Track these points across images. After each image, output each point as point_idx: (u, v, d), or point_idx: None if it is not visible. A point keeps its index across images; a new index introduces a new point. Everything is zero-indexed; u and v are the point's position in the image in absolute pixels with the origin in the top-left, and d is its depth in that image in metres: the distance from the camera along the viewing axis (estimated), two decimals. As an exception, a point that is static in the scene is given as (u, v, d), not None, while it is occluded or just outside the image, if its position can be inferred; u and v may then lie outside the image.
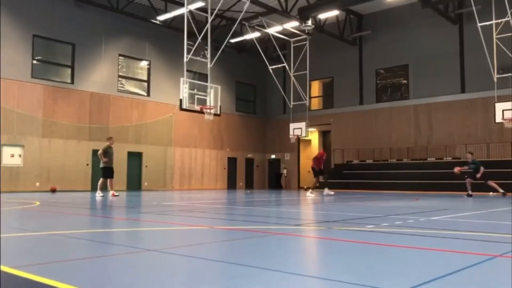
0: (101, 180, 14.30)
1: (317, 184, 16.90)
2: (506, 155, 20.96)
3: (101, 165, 14.39)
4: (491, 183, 15.75)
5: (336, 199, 13.78)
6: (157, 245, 4.35)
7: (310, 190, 16.68)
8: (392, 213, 8.33)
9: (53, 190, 18.96)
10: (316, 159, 16.71)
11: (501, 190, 15.59)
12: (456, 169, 15.95)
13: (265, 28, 22.80)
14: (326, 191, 16.48)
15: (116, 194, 14.32)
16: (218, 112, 17.36)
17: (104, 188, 14.34)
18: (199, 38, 16.68)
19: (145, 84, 24.12)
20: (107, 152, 14.31)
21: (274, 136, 30.09)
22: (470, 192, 15.88)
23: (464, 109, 22.51)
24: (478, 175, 15.62)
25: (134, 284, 2.79)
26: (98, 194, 13.86)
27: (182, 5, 20.32)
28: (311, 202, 12.38)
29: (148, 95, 23.96)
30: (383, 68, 25.65)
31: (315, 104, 28.98)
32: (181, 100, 15.80)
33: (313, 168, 16.82)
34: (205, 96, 16.71)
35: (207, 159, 26.66)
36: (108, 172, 14.30)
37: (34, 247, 4.30)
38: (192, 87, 16.46)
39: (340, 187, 24.46)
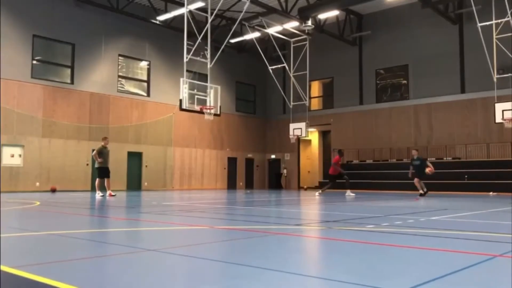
0: (97, 180, 14.35)
1: (321, 191, 17.09)
2: (506, 155, 20.96)
3: (96, 165, 14.46)
4: (417, 182, 15.49)
5: (336, 199, 13.78)
6: (157, 245, 4.35)
7: (320, 191, 17.03)
8: (392, 213, 8.33)
9: (53, 190, 18.96)
10: (332, 165, 17.09)
11: (423, 191, 15.42)
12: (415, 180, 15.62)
13: (265, 28, 22.80)
14: (348, 192, 16.37)
15: (113, 194, 14.32)
16: (218, 112, 17.35)
17: (102, 188, 14.36)
18: (199, 38, 16.68)
19: (145, 84, 24.11)
20: (102, 152, 14.34)
21: (274, 136, 30.08)
22: (422, 191, 15.48)
23: (464, 109, 22.50)
24: (428, 170, 15.15)
25: (134, 284, 2.78)
26: (98, 194, 13.91)
27: (182, 5, 20.32)
28: (311, 202, 12.38)
29: (148, 95, 23.96)
30: (383, 68, 25.64)
31: (315, 104, 28.97)
32: (181, 100, 15.79)
33: (329, 175, 17.16)
34: (205, 96, 16.70)
35: (207, 159, 26.65)
36: (103, 172, 14.33)
37: (34, 247, 4.30)
38: (192, 87, 16.46)
39: (340, 187, 24.44)
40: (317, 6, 21.32)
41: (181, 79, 15.96)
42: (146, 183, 23.44)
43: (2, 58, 18.36)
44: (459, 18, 22.62)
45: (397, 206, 10.59)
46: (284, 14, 21.60)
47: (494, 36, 18.21)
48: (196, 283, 2.83)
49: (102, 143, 14.61)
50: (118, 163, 21.58)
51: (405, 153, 24.38)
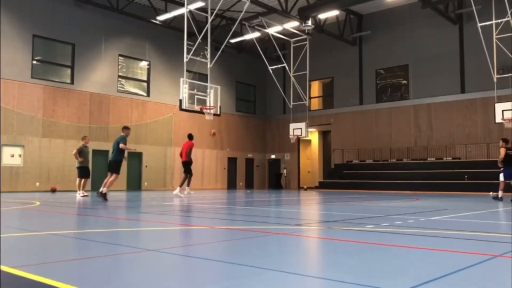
0: (78, 180, 14.18)
1: (186, 188, 15.30)
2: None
3: (77, 164, 14.30)
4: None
5: (336, 199, 13.78)
6: (157, 245, 4.35)
7: (185, 190, 15.17)
8: (392, 213, 8.32)
9: (53, 190, 18.95)
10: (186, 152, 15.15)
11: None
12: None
13: (265, 28, 22.80)
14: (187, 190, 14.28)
15: (86, 194, 14.08)
16: (218, 112, 17.36)
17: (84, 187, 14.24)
18: (199, 38, 16.67)
19: (145, 84, 24.11)
20: (82, 151, 14.27)
21: (274, 136, 30.09)
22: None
23: (464, 109, 22.50)
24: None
25: (134, 284, 2.78)
26: (79, 194, 13.70)
27: (182, 5, 20.33)
28: (311, 202, 12.38)
29: (148, 95, 23.96)
30: (383, 68, 25.64)
31: (315, 104, 28.97)
32: (181, 100, 15.79)
33: (185, 163, 15.17)
34: (205, 96, 16.70)
35: (207, 159, 26.64)
36: (84, 172, 14.23)
37: (34, 247, 4.29)
38: (192, 87, 16.45)
39: (340, 187, 24.50)
40: (317, 6, 21.33)
41: (181, 79, 15.96)
42: (146, 183, 23.44)
43: (2, 58, 18.36)
44: (459, 18, 22.63)
45: (397, 206, 10.59)
46: (284, 14, 21.60)
47: (494, 36, 18.21)
48: (196, 283, 2.83)
49: (82, 142, 14.55)
50: (118, 163, 21.45)
51: (405, 153, 24.41)
